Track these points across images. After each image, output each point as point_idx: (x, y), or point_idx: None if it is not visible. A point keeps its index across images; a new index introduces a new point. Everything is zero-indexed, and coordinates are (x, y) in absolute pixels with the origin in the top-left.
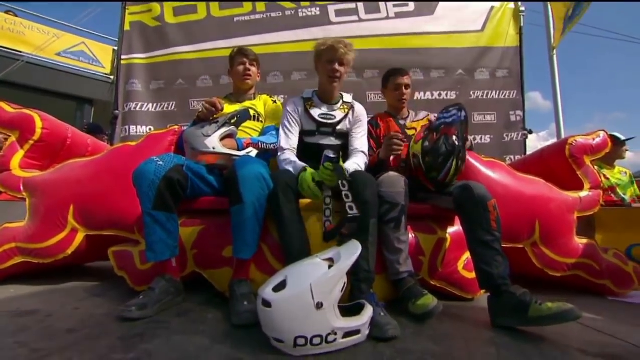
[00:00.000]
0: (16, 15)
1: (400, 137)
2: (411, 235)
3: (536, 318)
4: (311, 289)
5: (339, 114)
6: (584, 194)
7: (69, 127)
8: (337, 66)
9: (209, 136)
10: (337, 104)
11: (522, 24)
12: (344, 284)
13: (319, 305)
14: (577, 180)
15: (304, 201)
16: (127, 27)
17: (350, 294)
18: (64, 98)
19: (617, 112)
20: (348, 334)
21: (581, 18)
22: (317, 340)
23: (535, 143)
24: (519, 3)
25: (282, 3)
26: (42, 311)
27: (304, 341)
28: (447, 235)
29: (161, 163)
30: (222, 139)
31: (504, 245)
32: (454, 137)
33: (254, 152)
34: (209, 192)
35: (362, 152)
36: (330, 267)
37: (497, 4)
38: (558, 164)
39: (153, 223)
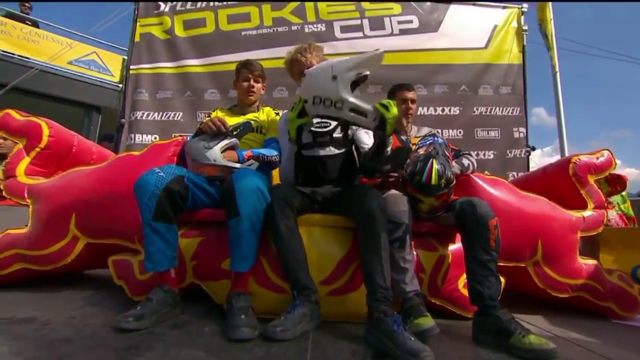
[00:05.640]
0: (37, 27)
1: None
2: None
3: (515, 348)
4: (332, 65)
5: (333, 121)
6: (587, 213)
7: (75, 135)
8: None
9: (211, 148)
10: None
11: (524, 43)
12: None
13: (334, 77)
14: (581, 199)
15: (302, 217)
16: (137, 39)
17: (369, 316)
18: (73, 105)
19: (622, 129)
20: (355, 110)
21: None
22: (327, 102)
23: (539, 159)
24: (522, 22)
25: (289, 17)
26: (38, 319)
27: (319, 100)
28: (448, 253)
29: (162, 174)
30: (223, 150)
31: (507, 264)
32: (430, 150)
33: (254, 165)
34: (209, 204)
35: None
36: None
37: (500, 23)
38: (561, 182)
39: (152, 233)
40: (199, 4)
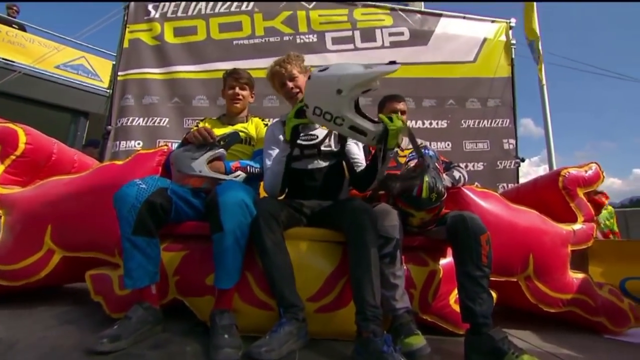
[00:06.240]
0: (24, 30)
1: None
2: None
3: None
4: (338, 78)
5: (320, 132)
6: (577, 226)
7: (55, 143)
8: (289, 83)
9: (196, 159)
10: None
11: (513, 56)
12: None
13: (339, 91)
14: (570, 212)
15: (288, 230)
16: (126, 45)
17: (358, 336)
18: (60, 110)
19: (606, 141)
20: (354, 128)
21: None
22: (327, 116)
23: (527, 168)
24: (510, 36)
25: (281, 28)
26: (5, 340)
27: (319, 111)
28: (439, 268)
29: (144, 186)
30: (209, 161)
31: (498, 279)
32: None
33: (241, 176)
34: (193, 216)
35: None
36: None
37: (489, 36)
38: (551, 196)
39: (132, 248)
40: (190, 11)
